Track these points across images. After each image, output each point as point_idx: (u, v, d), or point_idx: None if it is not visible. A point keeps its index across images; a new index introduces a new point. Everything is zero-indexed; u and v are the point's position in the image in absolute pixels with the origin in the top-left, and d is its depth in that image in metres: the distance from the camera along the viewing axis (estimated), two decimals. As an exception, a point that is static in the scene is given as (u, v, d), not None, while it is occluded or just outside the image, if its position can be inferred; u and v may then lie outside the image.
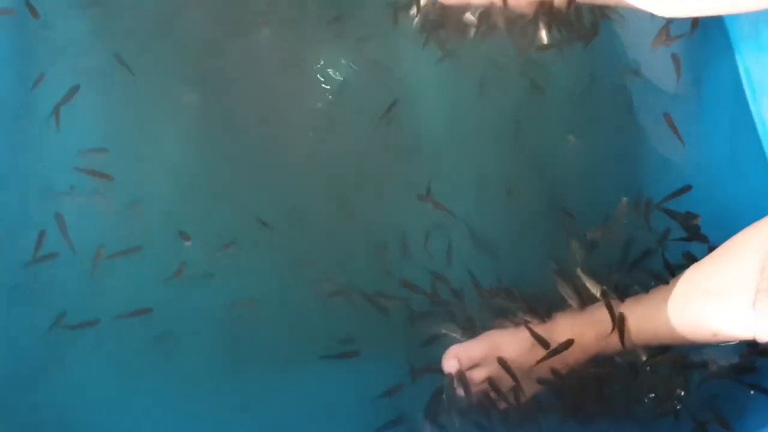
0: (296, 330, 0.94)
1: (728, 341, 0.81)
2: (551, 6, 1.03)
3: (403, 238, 0.97)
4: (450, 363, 0.85)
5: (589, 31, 1.04)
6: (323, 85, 1.05)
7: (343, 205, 1.00)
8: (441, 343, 0.88)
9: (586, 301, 0.89)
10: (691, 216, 0.93)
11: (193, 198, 1.00)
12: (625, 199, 0.96)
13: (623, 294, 0.87)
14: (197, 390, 0.91)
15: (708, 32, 1.01)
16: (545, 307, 0.89)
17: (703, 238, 0.91)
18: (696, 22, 1.01)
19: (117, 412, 0.90)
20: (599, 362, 0.86)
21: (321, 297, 0.94)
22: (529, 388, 0.85)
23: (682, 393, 0.86)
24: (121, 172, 0.98)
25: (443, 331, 0.90)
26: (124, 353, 0.92)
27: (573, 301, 0.88)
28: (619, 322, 0.84)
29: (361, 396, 0.88)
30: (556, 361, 0.84)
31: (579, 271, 0.90)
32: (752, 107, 0.95)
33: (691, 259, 0.87)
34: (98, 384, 0.91)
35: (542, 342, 0.84)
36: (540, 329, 0.86)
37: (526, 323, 0.86)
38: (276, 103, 1.05)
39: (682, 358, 0.87)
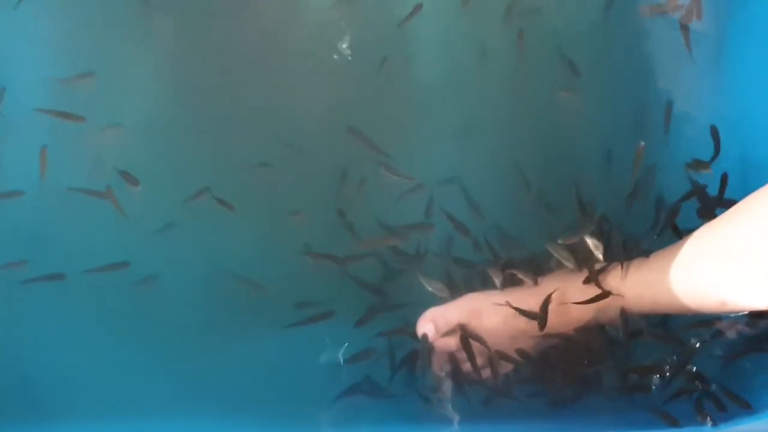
0: (267, 292, 0.87)
1: (738, 312, 0.72)
2: None
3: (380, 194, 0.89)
4: (425, 326, 0.77)
5: None
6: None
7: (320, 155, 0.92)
8: (418, 306, 0.80)
9: (581, 263, 0.79)
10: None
11: (160, 143, 0.92)
12: (642, 143, 0.86)
13: (628, 257, 0.78)
14: (168, 349, 0.85)
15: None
16: (534, 270, 0.80)
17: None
18: None
19: (81, 370, 0.85)
20: (591, 333, 0.78)
21: (293, 257, 0.87)
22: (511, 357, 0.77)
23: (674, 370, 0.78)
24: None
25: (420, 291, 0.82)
26: (91, 308, 0.86)
27: (569, 263, 0.79)
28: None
29: (332, 360, 0.82)
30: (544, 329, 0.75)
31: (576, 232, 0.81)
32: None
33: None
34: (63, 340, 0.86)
35: (523, 312, 0.76)
36: (526, 293, 0.77)
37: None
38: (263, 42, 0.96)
39: (674, 335, 0.79)
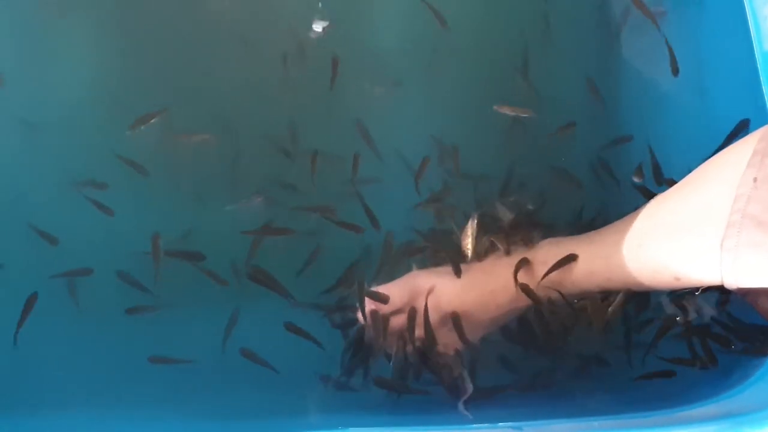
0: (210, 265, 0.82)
1: (692, 287, 0.68)
2: None
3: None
4: (369, 308, 0.73)
5: None
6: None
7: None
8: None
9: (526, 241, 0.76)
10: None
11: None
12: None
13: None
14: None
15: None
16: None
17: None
18: None
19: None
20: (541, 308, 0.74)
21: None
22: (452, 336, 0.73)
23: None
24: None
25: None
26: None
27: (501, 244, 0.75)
28: (559, 263, 0.70)
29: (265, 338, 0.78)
30: (487, 306, 0.72)
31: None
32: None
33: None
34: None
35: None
36: (474, 269, 0.73)
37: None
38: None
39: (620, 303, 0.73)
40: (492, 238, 0.76)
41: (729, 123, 0.77)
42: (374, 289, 0.74)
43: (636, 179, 0.71)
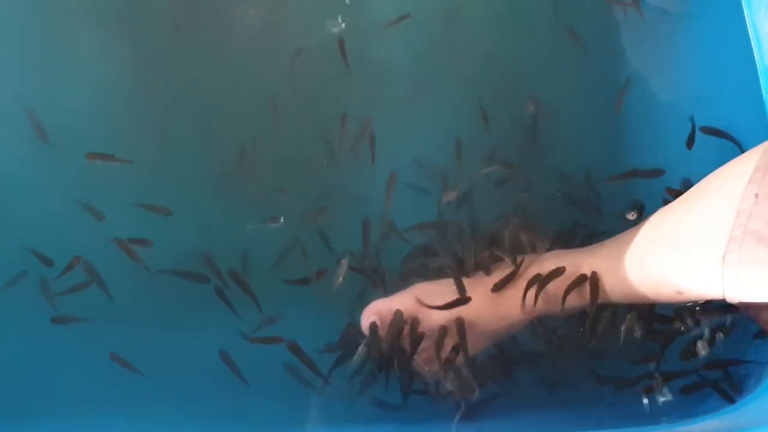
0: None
1: (695, 300, 0.68)
2: None
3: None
4: (370, 319, 0.74)
5: None
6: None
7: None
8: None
9: (538, 249, 0.76)
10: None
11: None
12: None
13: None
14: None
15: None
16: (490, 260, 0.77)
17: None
18: None
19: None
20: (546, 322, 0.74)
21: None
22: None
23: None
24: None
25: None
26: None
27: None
28: (547, 278, 0.71)
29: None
30: (491, 318, 0.72)
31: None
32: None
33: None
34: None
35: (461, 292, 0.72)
36: (475, 282, 0.73)
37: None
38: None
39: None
40: (495, 251, 0.77)
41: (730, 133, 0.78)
42: (378, 301, 0.74)
43: (630, 217, 0.71)
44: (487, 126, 0.87)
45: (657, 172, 0.80)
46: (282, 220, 0.84)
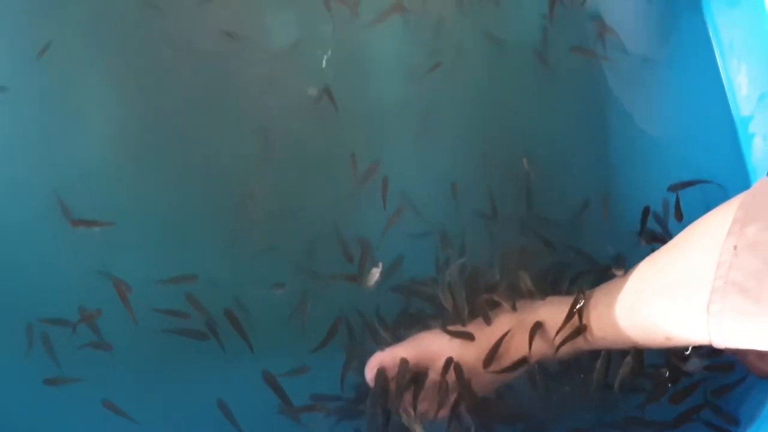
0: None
1: (685, 345, 0.71)
2: None
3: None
4: (373, 372, 0.76)
5: None
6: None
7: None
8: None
9: (534, 296, 0.79)
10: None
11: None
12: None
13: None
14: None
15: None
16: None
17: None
18: None
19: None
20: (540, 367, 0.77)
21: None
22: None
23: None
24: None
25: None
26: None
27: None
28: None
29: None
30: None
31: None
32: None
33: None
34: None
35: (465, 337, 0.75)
36: (476, 329, 0.76)
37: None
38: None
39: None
40: (495, 296, 0.79)
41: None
42: (380, 353, 0.76)
43: (617, 272, 0.74)
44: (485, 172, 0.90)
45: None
46: (286, 287, 0.86)
